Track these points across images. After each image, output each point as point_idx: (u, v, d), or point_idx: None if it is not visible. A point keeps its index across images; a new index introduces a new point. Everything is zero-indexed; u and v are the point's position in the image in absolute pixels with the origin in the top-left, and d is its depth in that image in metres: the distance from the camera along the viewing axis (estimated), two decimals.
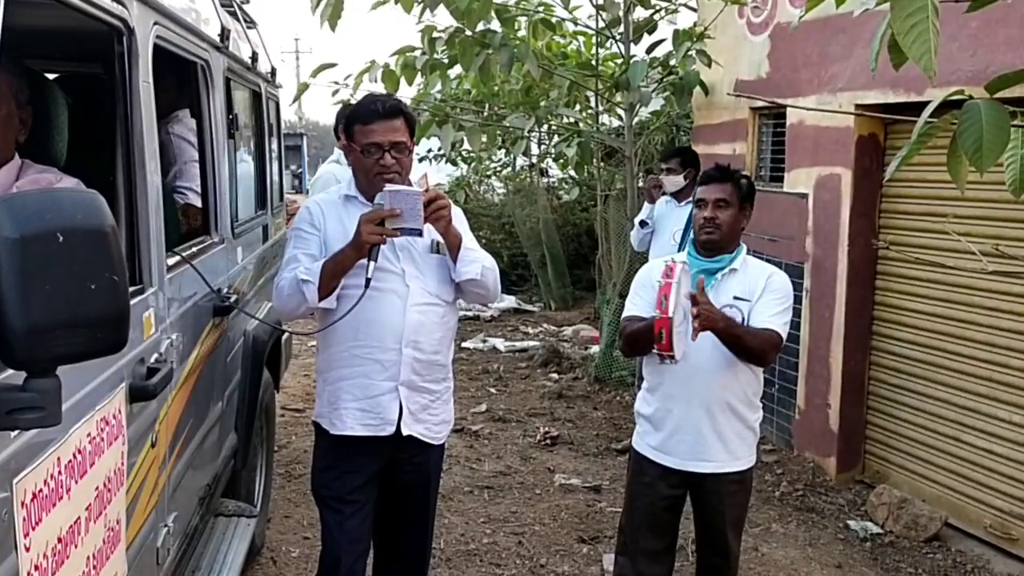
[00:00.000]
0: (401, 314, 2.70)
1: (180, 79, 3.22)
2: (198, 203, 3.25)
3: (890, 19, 1.54)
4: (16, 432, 1.39)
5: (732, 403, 2.93)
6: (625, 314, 3.04)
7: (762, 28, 5.79)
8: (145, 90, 2.19)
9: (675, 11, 6.99)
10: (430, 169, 11.56)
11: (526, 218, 10.99)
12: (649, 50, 6.85)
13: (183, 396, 2.54)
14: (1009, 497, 4.23)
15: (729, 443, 2.94)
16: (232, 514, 3.39)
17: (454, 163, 11.92)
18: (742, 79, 5.98)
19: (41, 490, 1.46)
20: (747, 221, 3.04)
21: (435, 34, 6.38)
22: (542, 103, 7.45)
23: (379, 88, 6.39)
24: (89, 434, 1.68)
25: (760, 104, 5.85)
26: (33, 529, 1.42)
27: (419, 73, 6.60)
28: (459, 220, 2.84)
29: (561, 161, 9.24)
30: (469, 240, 2.81)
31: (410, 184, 2.77)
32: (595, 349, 7.70)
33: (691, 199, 3.65)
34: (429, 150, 11.27)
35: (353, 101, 5.07)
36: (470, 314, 9.64)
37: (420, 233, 2.59)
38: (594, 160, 7.87)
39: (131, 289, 2.05)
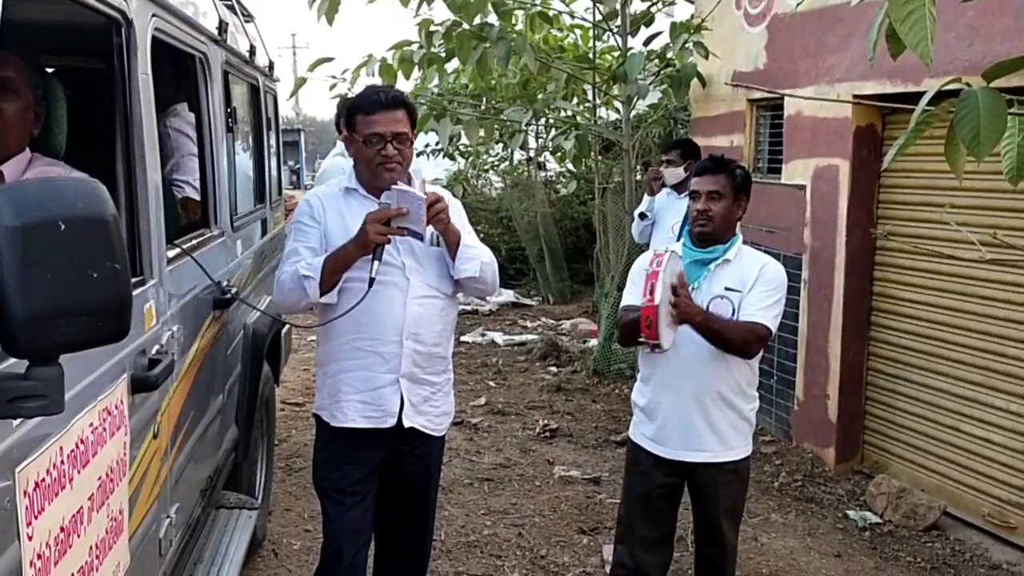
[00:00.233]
0: (402, 307, 2.71)
1: (179, 72, 3.22)
2: (195, 196, 3.25)
3: (887, 7, 1.54)
4: (19, 421, 1.40)
5: (724, 393, 2.93)
6: (622, 304, 3.05)
7: (759, 19, 5.79)
8: (144, 82, 2.20)
9: (672, 3, 7.00)
10: (428, 164, 11.57)
11: (524, 212, 10.99)
12: (646, 42, 6.85)
13: (184, 388, 2.54)
14: (1007, 486, 4.24)
15: (722, 433, 2.94)
16: (233, 506, 3.39)
17: (452, 157, 11.92)
18: (739, 71, 5.97)
19: (44, 479, 1.47)
20: (743, 212, 3.04)
21: (432, 28, 6.39)
22: (539, 96, 7.45)
23: (376, 82, 6.39)
24: (91, 424, 1.69)
25: (757, 96, 5.85)
26: (36, 518, 1.43)
27: (416, 67, 6.60)
28: (457, 214, 2.84)
29: (559, 154, 9.25)
30: (467, 235, 2.81)
31: (411, 177, 2.78)
32: (594, 342, 7.71)
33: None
34: (427, 144, 11.29)
35: (351, 95, 5.07)
36: (468, 308, 9.65)
37: (422, 237, 2.60)
38: (592, 153, 7.87)
39: (132, 280, 2.08)
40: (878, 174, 4.94)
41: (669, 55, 6.65)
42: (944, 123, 1.66)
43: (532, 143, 10.56)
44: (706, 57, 6.19)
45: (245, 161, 4.07)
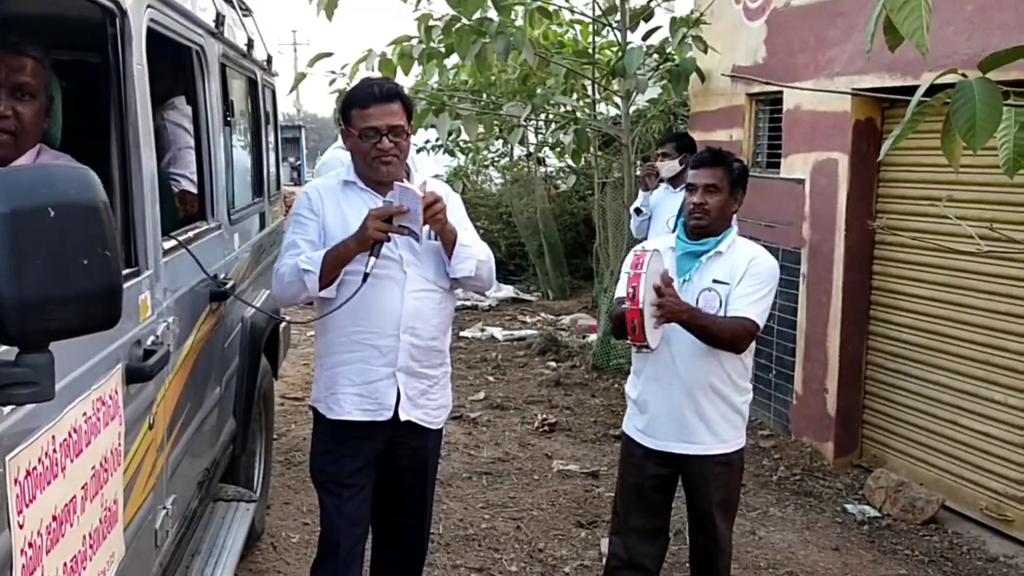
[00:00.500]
0: (399, 301, 2.71)
1: (176, 65, 3.22)
2: (192, 189, 3.25)
3: None
4: (9, 408, 1.40)
5: (716, 386, 2.92)
6: (615, 296, 3.05)
7: (759, 13, 5.78)
8: (139, 73, 2.19)
9: None
10: (428, 159, 11.56)
11: (524, 208, 10.99)
12: (645, 37, 6.84)
13: (180, 380, 2.54)
14: (1005, 479, 4.25)
15: (714, 425, 2.94)
16: (231, 499, 3.40)
17: (452, 153, 11.90)
18: (739, 65, 5.96)
19: (35, 468, 1.47)
20: (738, 205, 3.03)
21: (431, 22, 6.38)
22: (538, 91, 7.43)
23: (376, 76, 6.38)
24: (85, 413, 1.69)
25: (757, 90, 5.85)
26: (27, 507, 1.43)
27: (416, 62, 6.59)
28: (456, 209, 2.83)
29: (558, 149, 9.24)
30: (464, 233, 2.79)
31: (409, 170, 2.77)
32: (593, 337, 7.71)
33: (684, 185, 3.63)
34: (427, 141, 11.28)
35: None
36: (468, 304, 9.65)
37: (418, 238, 2.59)
38: (591, 148, 7.86)
39: (126, 272, 2.07)
40: (878, 168, 4.93)
41: (668, 50, 6.64)
42: (941, 116, 1.65)
43: (532, 139, 10.54)
44: (705, 51, 6.18)
45: (243, 155, 4.07)
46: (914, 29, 1.59)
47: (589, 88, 7.90)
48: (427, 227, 2.66)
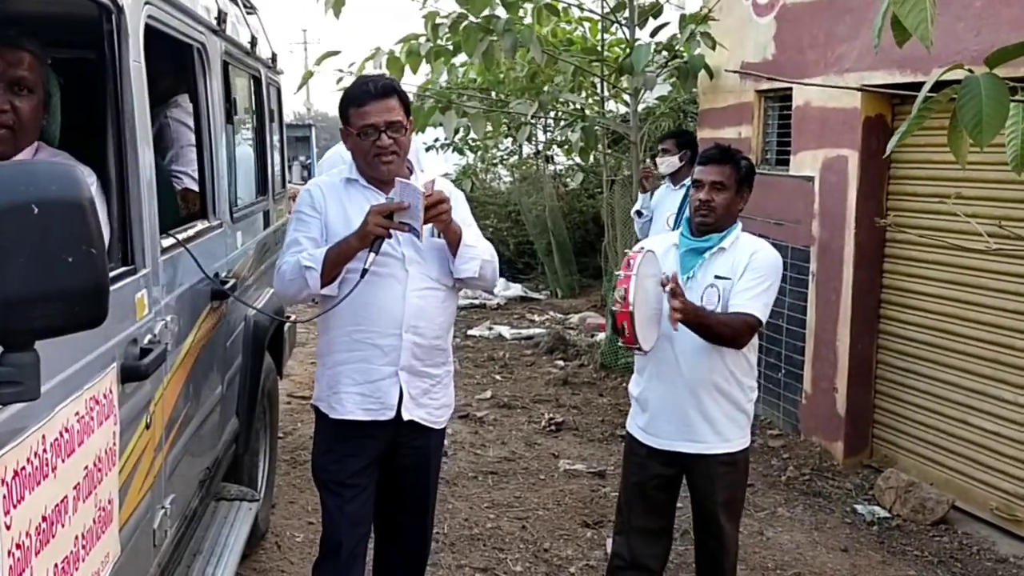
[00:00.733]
0: (401, 299, 2.69)
1: (178, 63, 3.20)
2: (195, 187, 3.23)
3: None
4: None
5: (720, 384, 2.89)
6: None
7: (768, 9, 5.73)
8: (136, 70, 2.17)
9: None
10: (436, 158, 11.54)
11: (532, 206, 10.96)
12: (653, 34, 6.79)
13: (179, 378, 2.53)
14: (1015, 479, 4.20)
15: (717, 424, 2.90)
16: (234, 498, 3.39)
17: (461, 152, 11.89)
18: (748, 61, 5.92)
19: (24, 467, 1.45)
20: (744, 203, 3.00)
21: (439, 20, 6.36)
22: (546, 89, 7.40)
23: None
24: (77, 412, 1.67)
25: (766, 87, 5.80)
26: (15, 507, 1.41)
27: (424, 60, 6.58)
28: (460, 205, 2.81)
29: (566, 147, 9.21)
30: (468, 232, 2.76)
31: (412, 168, 2.75)
32: (601, 336, 7.67)
33: (685, 182, 3.62)
34: (436, 139, 11.27)
35: None
36: (476, 302, 9.64)
37: (419, 235, 2.56)
38: (600, 146, 7.83)
39: (122, 270, 2.06)
40: (888, 165, 4.89)
41: (677, 47, 6.60)
42: (950, 112, 1.63)
43: (540, 136, 10.51)
44: (713, 48, 6.14)
45: (246, 153, 4.05)
46: (918, 23, 1.56)
47: (598, 85, 7.86)
48: (431, 225, 2.65)
